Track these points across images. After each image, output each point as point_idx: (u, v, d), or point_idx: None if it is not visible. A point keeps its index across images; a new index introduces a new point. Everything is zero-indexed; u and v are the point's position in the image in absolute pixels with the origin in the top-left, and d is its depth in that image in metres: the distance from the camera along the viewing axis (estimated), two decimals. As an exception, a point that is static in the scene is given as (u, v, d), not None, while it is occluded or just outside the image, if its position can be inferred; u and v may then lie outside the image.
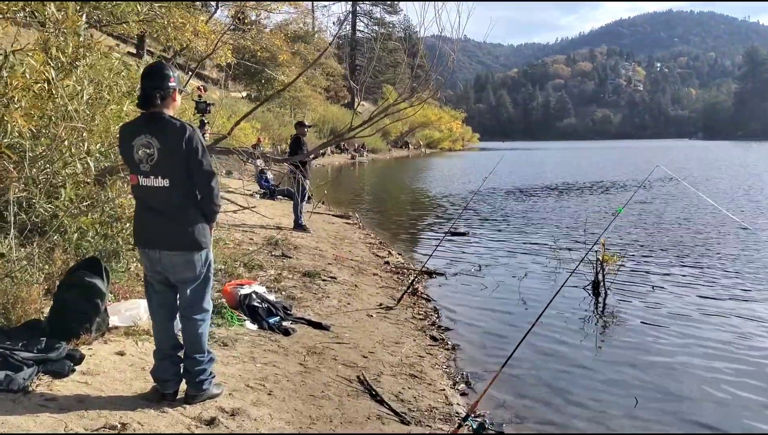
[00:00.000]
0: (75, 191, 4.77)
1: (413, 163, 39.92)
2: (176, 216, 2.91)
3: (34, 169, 4.58)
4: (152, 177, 2.87)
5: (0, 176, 4.37)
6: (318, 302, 5.53)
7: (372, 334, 4.90)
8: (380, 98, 47.01)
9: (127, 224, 4.88)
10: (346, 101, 52.46)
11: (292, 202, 10.02)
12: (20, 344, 3.17)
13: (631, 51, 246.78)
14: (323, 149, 15.48)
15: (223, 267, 5.92)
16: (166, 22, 11.01)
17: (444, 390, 3.97)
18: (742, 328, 5.51)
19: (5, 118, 4.34)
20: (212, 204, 3.00)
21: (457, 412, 3.63)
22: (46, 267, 4.14)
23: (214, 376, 3.16)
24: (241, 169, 16.72)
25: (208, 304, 3.12)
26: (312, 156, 8.95)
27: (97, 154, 5.29)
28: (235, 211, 8.39)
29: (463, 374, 4.35)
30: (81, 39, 5.56)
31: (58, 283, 3.83)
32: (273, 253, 7.23)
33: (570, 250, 8.56)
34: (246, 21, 24.08)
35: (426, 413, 3.55)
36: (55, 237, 4.51)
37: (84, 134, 4.92)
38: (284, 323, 4.65)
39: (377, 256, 8.57)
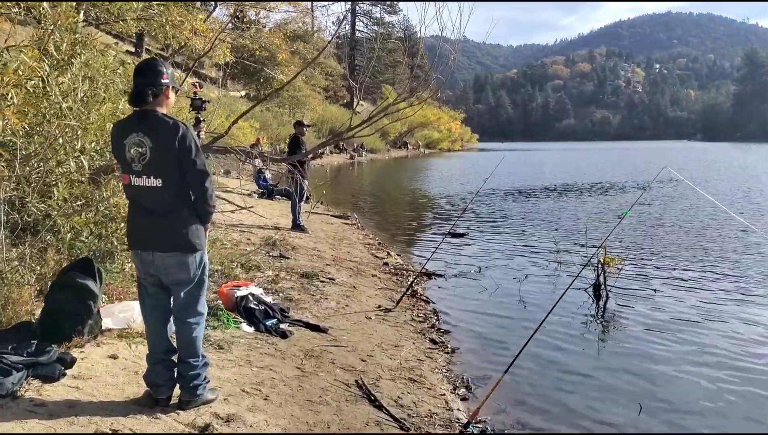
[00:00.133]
0: (69, 190, 4.69)
1: (412, 164, 39.85)
2: (169, 217, 2.83)
3: (27, 168, 4.50)
4: (144, 177, 2.79)
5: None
6: (316, 304, 5.45)
7: (371, 336, 4.83)
8: (379, 98, 46.93)
9: (122, 224, 4.79)
10: (345, 101, 52.36)
11: (290, 202, 9.95)
12: (9, 347, 3.08)
13: (630, 52, 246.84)
14: (322, 149, 15.38)
15: (219, 268, 5.84)
16: (164, 20, 10.94)
17: (444, 395, 3.89)
18: (745, 333, 5.42)
19: (-3, 115, 4.25)
20: (206, 204, 2.92)
21: (458, 418, 3.55)
22: (38, 268, 4.06)
23: (208, 381, 3.07)
24: (239, 168, 16.63)
25: (203, 308, 3.04)
26: (311, 156, 8.86)
27: (92, 153, 5.21)
28: (232, 211, 8.31)
29: (463, 379, 4.27)
30: (77, 36, 5.49)
31: (50, 284, 3.74)
32: (270, 254, 7.14)
33: (570, 252, 8.49)
34: (245, 20, 24.02)
35: (426, 419, 3.47)
36: (48, 237, 4.42)
37: (78, 132, 4.84)
38: (281, 326, 4.58)
39: (376, 257, 8.49)
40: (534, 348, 4.80)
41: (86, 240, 4.72)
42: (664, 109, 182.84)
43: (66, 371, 3.09)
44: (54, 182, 4.66)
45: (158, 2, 10.75)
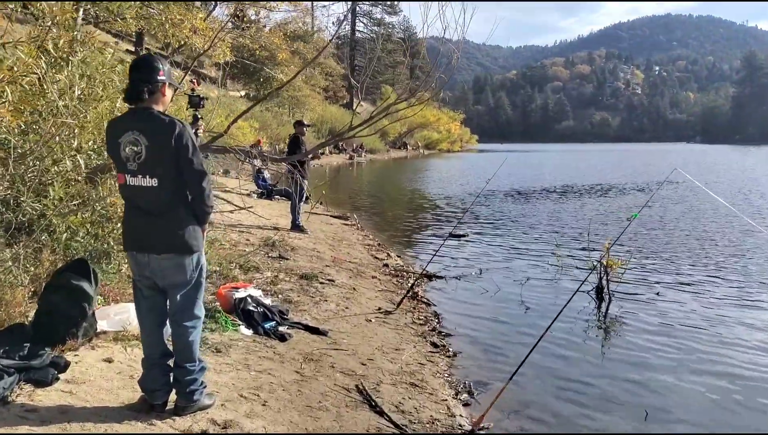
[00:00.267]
0: (65, 189, 4.60)
1: (411, 164, 39.79)
2: (165, 217, 2.75)
3: (22, 166, 4.42)
4: (140, 176, 2.71)
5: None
6: (315, 306, 5.38)
7: (371, 339, 4.75)
8: (379, 99, 46.87)
9: (119, 224, 4.70)
10: (345, 101, 52.28)
11: (289, 203, 9.87)
12: (1, 350, 3.00)
13: (629, 54, 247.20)
14: (321, 149, 15.32)
15: (218, 269, 5.76)
16: (163, 19, 10.87)
17: (446, 400, 3.82)
18: (749, 340, 5.32)
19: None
20: (204, 205, 2.84)
21: (460, 425, 3.48)
22: (32, 268, 3.97)
23: (205, 386, 3.00)
24: (239, 168, 16.56)
25: (200, 311, 2.96)
26: (310, 156, 8.79)
27: (89, 152, 5.13)
28: (231, 211, 8.23)
29: (465, 383, 4.19)
30: (75, 34, 5.41)
31: (44, 285, 3.66)
32: (270, 255, 7.07)
33: (572, 256, 8.42)
34: (245, 19, 23.95)
35: (428, 425, 3.39)
36: (43, 237, 4.34)
37: (75, 130, 4.77)
38: (280, 328, 4.50)
39: (376, 258, 8.42)
40: (535, 353, 4.68)
41: (82, 240, 4.63)
42: (664, 112, 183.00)
43: (59, 375, 3.01)
44: (50, 181, 4.58)
45: (158, 1, 10.69)
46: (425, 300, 6.38)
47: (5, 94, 4.16)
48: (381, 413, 3.40)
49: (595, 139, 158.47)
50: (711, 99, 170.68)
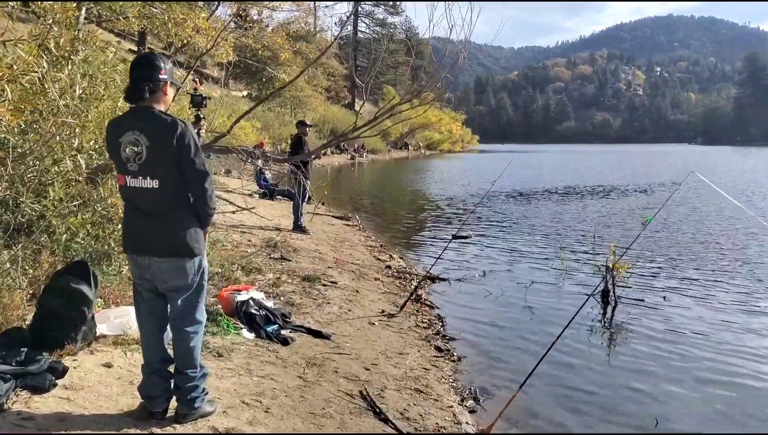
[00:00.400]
0: (65, 190, 4.54)
1: (413, 165, 39.71)
2: (166, 219, 2.68)
3: (22, 166, 4.35)
4: (140, 177, 2.64)
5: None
6: (318, 309, 5.30)
7: (374, 343, 4.68)
8: (380, 99, 46.81)
9: (119, 225, 4.63)
10: (347, 102, 52.24)
11: (291, 203, 9.80)
12: (-2, 355, 2.94)
13: (631, 55, 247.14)
14: (324, 149, 15.29)
15: (219, 270, 5.70)
16: (166, 18, 10.81)
17: (452, 407, 3.74)
18: (757, 347, 5.22)
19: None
20: (206, 206, 2.76)
21: (467, 432, 3.41)
22: (31, 271, 3.91)
23: (206, 393, 2.93)
24: (241, 168, 16.51)
25: (202, 315, 2.89)
26: (313, 156, 8.72)
27: (90, 151, 5.07)
28: (233, 212, 8.17)
29: (470, 389, 4.12)
30: (77, 33, 5.35)
31: (42, 288, 3.60)
32: (272, 256, 7.00)
33: (578, 261, 8.32)
34: (248, 18, 23.89)
35: (433, 433, 3.32)
36: (43, 238, 4.28)
37: (76, 130, 4.70)
38: (283, 332, 4.43)
39: (378, 259, 8.34)
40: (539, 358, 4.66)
41: (82, 241, 4.57)
42: (665, 112, 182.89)
43: (57, 381, 2.94)
44: (50, 181, 4.51)
45: (161, 0, 10.63)
46: (428, 303, 6.30)
47: (5, 92, 4.10)
48: (386, 420, 3.33)
49: (597, 140, 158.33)
50: (712, 100, 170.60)
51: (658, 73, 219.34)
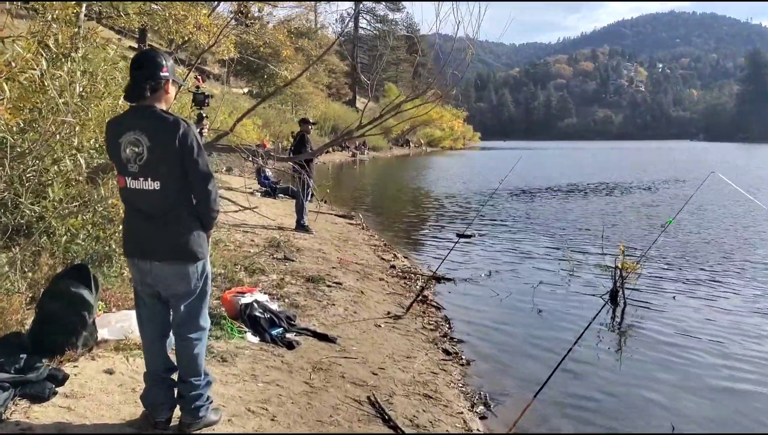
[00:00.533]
0: (65, 190, 4.44)
1: (414, 162, 39.56)
2: (168, 223, 2.58)
3: (21, 166, 4.26)
4: (141, 179, 2.54)
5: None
6: (323, 311, 5.21)
7: (381, 346, 4.58)
8: (381, 96, 46.63)
9: (120, 226, 4.54)
10: (348, 98, 52.11)
11: (293, 201, 9.69)
12: (-4, 363, 2.84)
13: (633, 51, 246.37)
14: (328, 148, 15.14)
15: (223, 271, 5.61)
16: (167, 15, 10.71)
17: (462, 413, 3.65)
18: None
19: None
20: (209, 209, 2.66)
21: (480, 440, 3.32)
22: (30, 274, 3.81)
23: (211, 401, 2.83)
24: (242, 166, 16.40)
25: (205, 321, 2.79)
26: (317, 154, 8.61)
27: (90, 150, 4.97)
28: (236, 211, 8.08)
29: (480, 394, 4.03)
30: (77, 30, 5.25)
31: (42, 291, 3.50)
32: (275, 256, 6.90)
33: (583, 259, 8.21)
34: (248, 15, 23.75)
35: (444, 441, 3.23)
36: (42, 240, 4.18)
37: (76, 129, 4.60)
38: (288, 335, 4.34)
39: (382, 259, 8.24)
40: (551, 363, 4.54)
41: (83, 243, 4.48)
42: (667, 109, 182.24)
43: (57, 389, 2.85)
44: (49, 182, 4.42)
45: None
46: (435, 304, 6.21)
47: (3, 91, 4.00)
48: (395, 428, 3.24)
49: (598, 137, 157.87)
50: (714, 97, 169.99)
51: (660, 70, 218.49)
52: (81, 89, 4.72)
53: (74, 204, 4.51)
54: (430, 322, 5.51)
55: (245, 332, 4.22)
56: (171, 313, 2.75)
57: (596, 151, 61.92)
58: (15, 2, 6.87)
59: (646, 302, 6.42)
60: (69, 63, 4.69)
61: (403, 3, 58.16)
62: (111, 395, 2.96)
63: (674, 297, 6.66)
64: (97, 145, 4.94)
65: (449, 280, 7.29)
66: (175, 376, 2.76)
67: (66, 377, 2.96)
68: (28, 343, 3.15)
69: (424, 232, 11.73)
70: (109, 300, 4.13)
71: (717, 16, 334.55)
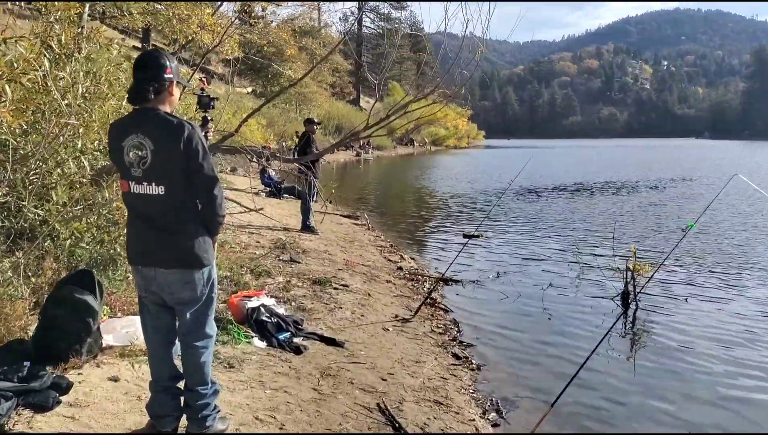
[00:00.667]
0: (68, 193, 4.38)
1: (419, 161, 39.46)
2: (173, 228, 2.51)
3: (24, 169, 4.20)
4: (145, 183, 2.47)
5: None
6: (330, 314, 5.14)
7: (390, 351, 4.51)
8: (385, 95, 46.51)
9: (125, 229, 4.48)
10: (352, 97, 52.01)
11: (298, 201, 9.62)
12: (-1, 371, 2.78)
13: (638, 49, 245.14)
14: (335, 148, 15.10)
15: (228, 274, 5.54)
16: (170, 15, 10.66)
17: (474, 420, 3.57)
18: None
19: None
20: (215, 214, 2.59)
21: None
22: (34, 278, 3.75)
23: (218, 410, 2.76)
24: (247, 166, 16.35)
25: (212, 329, 2.72)
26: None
27: (94, 152, 4.91)
28: (240, 212, 8.02)
29: (492, 401, 3.94)
30: (80, 30, 5.19)
31: (46, 297, 3.44)
32: (281, 258, 6.84)
33: (593, 260, 8.06)
34: (252, 15, 23.71)
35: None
36: (46, 243, 4.12)
37: (80, 130, 4.54)
38: (295, 340, 4.27)
39: (389, 260, 8.17)
40: (562, 368, 4.47)
41: (87, 246, 4.42)
42: (672, 107, 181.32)
43: (61, 398, 2.79)
44: (52, 184, 4.36)
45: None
46: (443, 306, 6.12)
47: (5, 92, 3.94)
48: (406, 437, 3.16)
49: (603, 135, 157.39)
50: (720, 94, 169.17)
51: (665, 67, 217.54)
52: (84, 90, 4.66)
53: (78, 207, 4.44)
54: (439, 326, 5.43)
55: (252, 337, 4.15)
56: (176, 320, 2.69)
57: (601, 150, 61.66)
58: (18, 2, 6.83)
59: (658, 306, 6.30)
60: (72, 64, 4.63)
61: (408, 2, 58.03)
62: (116, 403, 2.90)
63: (687, 299, 6.55)
64: (100, 147, 4.88)
65: (457, 281, 7.20)
66: (181, 385, 2.69)
67: (70, 385, 2.89)
68: (31, 350, 3.10)
69: (429, 232, 11.65)
70: (114, 304, 4.07)
71: (722, 13, 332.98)
